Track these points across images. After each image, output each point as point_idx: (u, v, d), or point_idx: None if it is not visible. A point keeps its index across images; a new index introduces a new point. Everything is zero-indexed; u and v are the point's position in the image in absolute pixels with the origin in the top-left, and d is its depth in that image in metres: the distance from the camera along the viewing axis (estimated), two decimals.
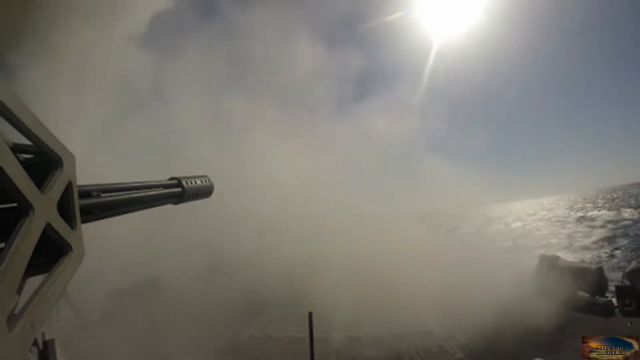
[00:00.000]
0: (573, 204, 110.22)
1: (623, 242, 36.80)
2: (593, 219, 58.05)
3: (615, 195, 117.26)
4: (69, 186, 0.91)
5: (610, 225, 47.49)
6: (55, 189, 0.85)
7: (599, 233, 42.80)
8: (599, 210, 70.91)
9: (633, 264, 13.39)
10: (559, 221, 64.26)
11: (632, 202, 78.99)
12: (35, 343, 0.89)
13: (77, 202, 0.95)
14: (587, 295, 13.32)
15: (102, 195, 1.13)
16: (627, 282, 12.60)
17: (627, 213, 58.30)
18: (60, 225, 0.85)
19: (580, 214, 73.34)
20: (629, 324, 10.68)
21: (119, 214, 1.24)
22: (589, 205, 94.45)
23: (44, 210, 0.79)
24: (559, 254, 19.35)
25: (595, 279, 13.03)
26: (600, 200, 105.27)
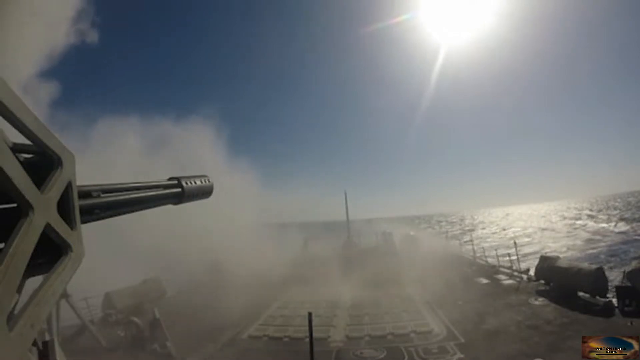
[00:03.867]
0: (568, 210, 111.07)
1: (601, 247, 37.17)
2: (583, 228, 58.48)
3: (615, 204, 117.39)
4: (69, 186, 0.91)
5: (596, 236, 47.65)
6: (55, 189, 0.85)
7: (581, 244, 43.11)
8: (594, 220, 70.89)
9: (633, 264, 13.39)
10: (548, 228, 64.74)
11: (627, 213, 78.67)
12: (35, 343, 0.89)
13: (77, 202, 0.95)
14: (587, 295, 13.34)
15: (102, 195, 1.13)
16: (627, 282, 12.59)
17: (617, 224, 58.23)
18: (60, 225, 0.85)
19: (572, 221, 73.80)
20: (629, 324, 10.67)
21: (119, 214, 1.24)
22: (585, 212, 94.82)
23: (44, 210, 0.79)
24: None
25: (595, 279, 13.03)
26: (595, 208, 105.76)
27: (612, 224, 59.56)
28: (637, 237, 43.42)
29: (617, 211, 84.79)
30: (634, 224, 54.64)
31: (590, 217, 78.31)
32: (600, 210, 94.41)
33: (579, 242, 44.46)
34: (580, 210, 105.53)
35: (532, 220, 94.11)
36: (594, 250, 37.68)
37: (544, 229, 64.70)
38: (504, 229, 75.66)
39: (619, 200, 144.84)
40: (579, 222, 70.29)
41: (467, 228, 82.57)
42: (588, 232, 53.25)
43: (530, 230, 66.85)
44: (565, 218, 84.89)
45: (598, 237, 46.35)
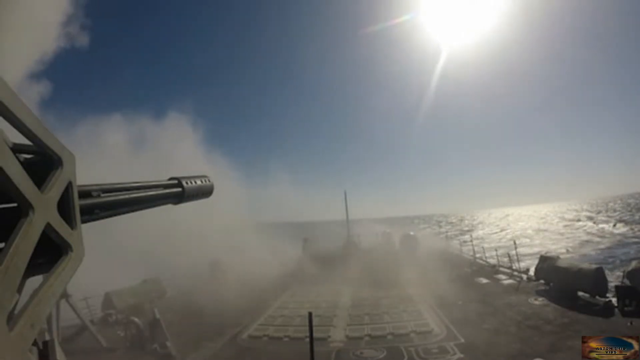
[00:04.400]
0: (568, 212, 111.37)
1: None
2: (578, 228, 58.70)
3: (615, 206, 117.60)
4: (69, 186, 0.91)
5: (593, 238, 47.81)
6: (55, 189, 0.85)
7: (580, 245, 43.24)
8: (593, 221, 71.12)
9: (633, 264, 13.37)
10: (548, 230, 65.04)
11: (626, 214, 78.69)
12: (35, 343, 0.89)
13: (77, 202, 0.95)
14: (587, 295, 13.33)
15: (102, 195, 1.13)
16: (627, 282, 12.58)
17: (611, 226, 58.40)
18: (60, 225, 0.85)
19: (571, 222, 74.11)
20: (629, 324, 10.66)
21: (119, 214, 1.23)
22: (585, 214, 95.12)
23: (44, 210, 0.79)
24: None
25: (595, 279, 13.02)
26: (594, 210, 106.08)
27: (611, 224, 59.80)
28: (635, 239, 43.52)
29: (617, 213, 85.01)
30: (633, 226, 54.78)
31: (590, 218, 78.55)
32: (599, 212, 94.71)
33: (577, 243, 44.54)
34: (579, 212, 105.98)
35: (531, 221, 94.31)
36: (592, 252, 37.77)
37: (543, 230, 64.85)
38: (503, 230, 75.88)
39: (618, 201, 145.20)
40: (578, 223, 70.48)
41: (466, 229, 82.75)
42: (587, 233, 53.34)
43: (530, 231, 66.89)
44: (564, 219, 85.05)
45: (597, 239, 46.44)
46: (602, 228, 56.85)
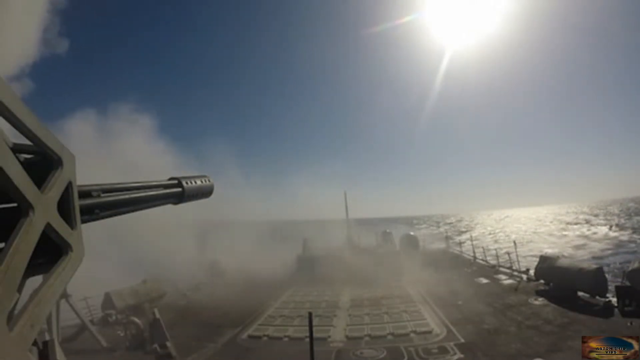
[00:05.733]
0: (567, 214, 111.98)
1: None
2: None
3: (614, 210, 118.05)
4: (69, 186, 0.91)
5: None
6: (55, 189, 0.85)
7: (577, 247, 43.45)
8: (590, 223, 71.39)
9: (633, 264, 13.37)
10: (545, 232, 65.36)
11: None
12: (35, 343, 0.89)
13: (77, 202, 0.95)
14: (587, 295, 13.33)
15: (102, 195, 1.13)
16: (627, 282, 12.57)
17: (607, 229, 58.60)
18: (60, 225, 0.85)
19: (569, 224, 74.57)
20: (629, 324, 10.65)
21: (119, 214, 1.23)
22: (583, 216, 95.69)
23: (44, 210, 0.79)
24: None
25: (595, 279, 13.01)
26: (593, 213, 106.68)
27: (608, 227, 60.20)
28: (631, 243, 43.65)
29: (615, 217, 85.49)
30: (630, 230, 55.01)
31: (587, 221, 78.98)
32: (597, 215, 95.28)
33: (574, 246, 44.65)
34: (578, 215, 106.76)
35: (530, 223, 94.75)
36: (589, 255, 37.83)
37: (540, 232, 65.06)
38: (501, 231, 76.13)
39: (618, 205, 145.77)
40: (576, 225, 70.81)
41: (463, 229, 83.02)
42: (584, 237, 53.47)
43: (528, 234, 66.98)
44: (563, 222, 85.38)
45: (593, 243, 46.58)
46: (600, 231, 57.12)
